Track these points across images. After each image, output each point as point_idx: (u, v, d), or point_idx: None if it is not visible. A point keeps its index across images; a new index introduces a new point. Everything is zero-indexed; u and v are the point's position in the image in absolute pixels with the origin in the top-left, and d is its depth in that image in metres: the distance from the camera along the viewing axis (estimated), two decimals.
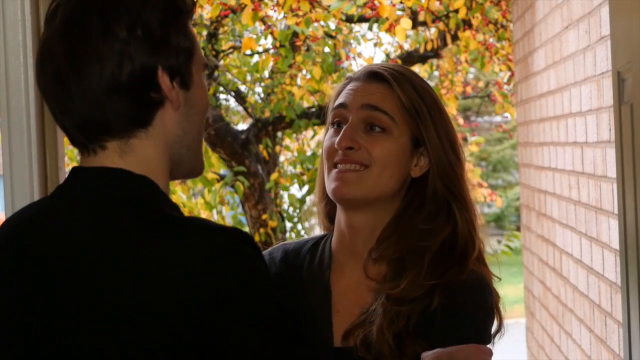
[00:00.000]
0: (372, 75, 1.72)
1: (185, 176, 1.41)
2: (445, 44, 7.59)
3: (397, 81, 1.69)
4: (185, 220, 1.28)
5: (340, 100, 1.72)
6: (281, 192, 7.72)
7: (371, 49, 21.47)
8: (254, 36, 6.65)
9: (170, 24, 1.31)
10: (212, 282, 1.21)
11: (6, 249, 1.34)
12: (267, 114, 7.50)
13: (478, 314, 1.65)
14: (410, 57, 8.08)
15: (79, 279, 1.25)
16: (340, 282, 1.72)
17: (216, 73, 7.41)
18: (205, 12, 6.52)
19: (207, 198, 6.95)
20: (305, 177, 7.41)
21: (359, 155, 1.67)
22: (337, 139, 1.68)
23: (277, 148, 8.07)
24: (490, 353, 1.53)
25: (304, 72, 7.09)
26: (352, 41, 7.45)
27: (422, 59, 8.18)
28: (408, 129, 1.69)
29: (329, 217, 1.80)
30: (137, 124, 1.31)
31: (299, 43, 6.58)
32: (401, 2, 6.36)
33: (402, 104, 1.68)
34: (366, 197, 1.67)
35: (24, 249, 1.31)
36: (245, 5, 5.60)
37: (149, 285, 1.21)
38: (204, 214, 6.91)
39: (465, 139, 9.86)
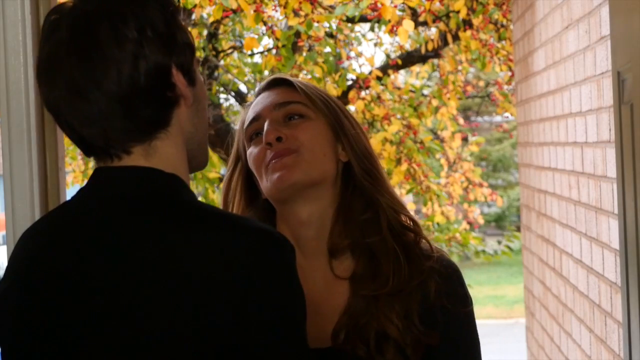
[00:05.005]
0: (276, 82, 1.78)
1: (193, 171, 1.42)
2: (445, 44, 7.59)
3: (300, 83, 1.75)
4: (227, 217, 1.30)
5: (250, 115, 1.75)
6: None
7: (372, 48, 21.48)
8: (256, 36, 6.65)
9: (172, 22, 1.32)
10: (256, 282, 1.22)
11: (38, 261, 1.31)
12: None
13: (471, 310, 1.70)
14: (410, 57, 8.08)
15: (122, 282, 1.24)
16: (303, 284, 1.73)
17: (216, 73, 7.41)
18: (205, 12, 6.52)
19: (212, 197, 6.96)
20: None
21: (286, 145, 1.68)
22: (263, 136, 1.70)
23: None
24: None
25: (304, 72, 7.09)
26: (352, 41, 7.45)
27: (423, 59, 8.17)
28: (323, 116, 1.73)
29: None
30: (158, 126, 1.31)
31: (301, 43, 6.58)
32: (403, 3, 6.36)
33: (310, 97, 1.73)
34: (309, 178, 1.68)
35: (59, 259, 1.29)
36: (248, 5, 5.59)
37: (192, 283, 1.21)
38: None
39: (465, 139, 9.86)
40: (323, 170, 1.70)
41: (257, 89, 1.81)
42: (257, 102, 1.77)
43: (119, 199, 1.30)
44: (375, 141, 6.93)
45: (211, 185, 7.00)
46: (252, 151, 1.73)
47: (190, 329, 1.20)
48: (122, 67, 1.27)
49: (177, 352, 1.21)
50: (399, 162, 7.12)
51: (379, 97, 7.20)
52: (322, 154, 1.70)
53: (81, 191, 1.36)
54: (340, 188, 1.73)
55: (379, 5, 5.95)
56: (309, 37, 6.22)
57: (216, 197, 6.95)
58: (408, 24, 5.87)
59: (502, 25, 7.23)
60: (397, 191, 8.11)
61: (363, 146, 1.74)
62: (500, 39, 7.34)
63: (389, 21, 6.09)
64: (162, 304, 1.21)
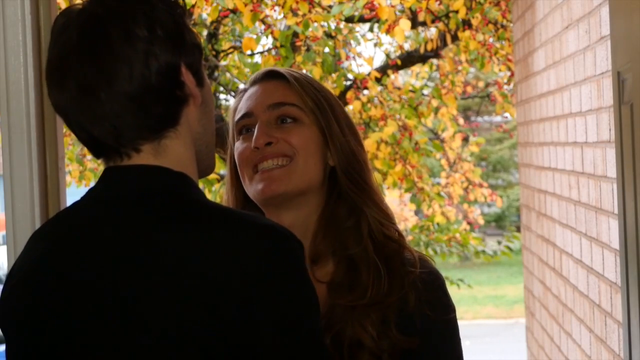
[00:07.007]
0: (270, 74, 1.74)
1: (201, 175, 1.42)
2: (445, 44, 7.59)
3: (294, 78, 1.72)
4: (235, 215, 1.30)
5: (242, 110, 1.72)
6: None
7: (371, 48, 21.50)
8: (254, 36, 6.65)
9: (180, 23, 1.34)
10: (265, 281, 1.22)
11: (48, 261, 1.31)
12: None
13: (454, 318, 1.68)
14: (410, 57, 8.08)
15: (131, 280, 1.24)
16: None
17: (216, 73, 7.41)
18: (205, 12, 6.52)
19: (208, 197, 6.94)
20: None
21: (279, 148, 1.66)
22: (253, 139, 1.67)
23: None
24: None
25: (304, 71, 7.09)
26: (351, 41, 7.45)
27: (422, 59, 8.18)
28: (315, 118, 1.70)
29: None
30: (167, 124, 1.32)
31: (299, 43, 6.58)
32: (401, 3, 6.36)
33: (303, 98, 1.70)
34: (296, 189, 1.66)
35: (68, 259, 1.29)
36: (245, 5, 5.59)
37: (201, 281, 1.21)
38: None
39: (465, 139, 9.85)
40: (309, 179, 1.68)
41: (252, 77, 1.77)
42: (251, 95, 1.73)
43: (128, 199, 1.30)
44: (370, 141, 6.93)
45: (209, 185, 6.99)
46: (239, 146, 1.71)
47: (201, 328, 1.20)
48: (133, 65, 1.28)
49: (187, 351, 1.21)
50: (394, 162, 7.12)
51: (377, 98, 7.21)
52: (312, 162, 1.68)
53: (91, 191, 1.36)
54: (326, 193, 1.71)
55: (375, 4, 5.95)
56: (307, 37, 6.22)
57: (211, 198, 6.93)
58: (404, 24, 5.88)
59: (502, 26, 7.23)
60: (396, 191, 8.12)
61: (351, 154, 1.71)
62: (499, 39, 7.35)
63: (386, 21, 6.09)
64: (172, 303, 1.21)
